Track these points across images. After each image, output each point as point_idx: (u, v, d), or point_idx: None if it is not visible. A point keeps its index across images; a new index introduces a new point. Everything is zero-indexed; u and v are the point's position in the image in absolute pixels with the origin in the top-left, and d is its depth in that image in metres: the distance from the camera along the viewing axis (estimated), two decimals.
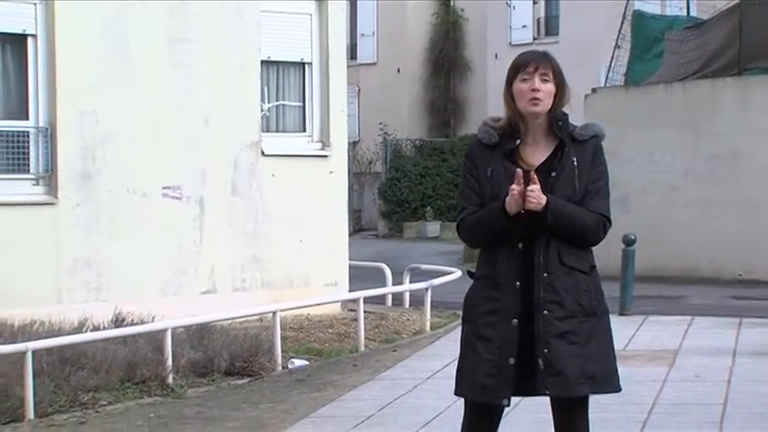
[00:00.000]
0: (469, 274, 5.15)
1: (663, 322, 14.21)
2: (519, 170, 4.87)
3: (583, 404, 5.02)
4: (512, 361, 4.90)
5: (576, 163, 4.98)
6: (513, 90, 5.00)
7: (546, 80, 4.96)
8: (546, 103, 4.97)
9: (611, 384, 5.03)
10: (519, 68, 5.00)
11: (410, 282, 16.06)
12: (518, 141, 5.01)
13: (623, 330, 12.86)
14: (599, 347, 4.97)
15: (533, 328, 4.90)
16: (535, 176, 4.85)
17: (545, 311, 4.89)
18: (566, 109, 5.10)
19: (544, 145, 5.04)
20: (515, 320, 4.90)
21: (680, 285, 18.89)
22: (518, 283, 4.93)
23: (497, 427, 5.08)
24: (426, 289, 14.37)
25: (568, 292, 4.92)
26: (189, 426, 9.00)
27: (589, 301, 4.97)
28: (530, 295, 4.92)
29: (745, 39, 21.23)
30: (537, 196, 4.83)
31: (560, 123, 5.03)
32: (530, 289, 4.92)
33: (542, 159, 5.01)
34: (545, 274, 4.91)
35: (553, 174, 4.95)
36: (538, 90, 4.94)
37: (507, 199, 4.85)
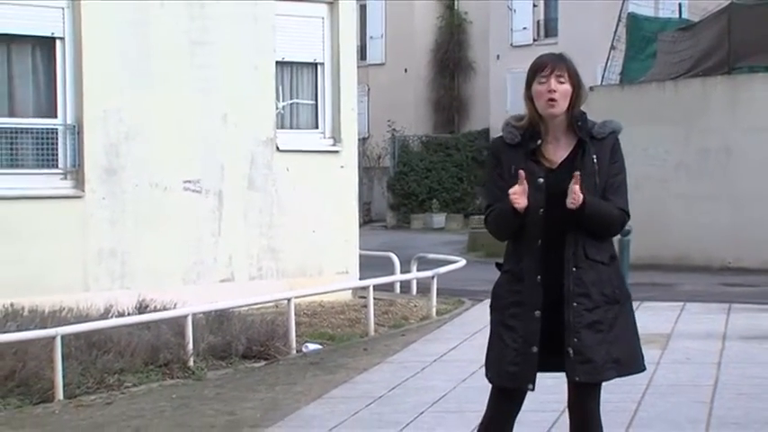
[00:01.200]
0: (497, 265, 5.17)
1: (656, 308, 14.20)
2: (521, 171, 4.87)
3: (597, 387, 5.05)
4: (535, 349, 4.92)
5: (595, 160, 4.97)
6: (531, 92, 4.99)
7: (562, 81, 4.94)
8: (562, 104, 4.95)
9: (636, 365, 5.07)
10: (536, 71, 4.97)
11: (417, 270, 16.06)
12: (539, 141, 5.00)
13: None
14: (623, 332, 5.00)
15: (560, 318, 4.92)
16: (578, 176, 4.84)
17: (575, 304, 4.90)
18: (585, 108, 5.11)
19: (564, 143, 5.02)
20: (538, 312, 4.92)
21: (672, 273, 18.88)
22: (539, 277, 4.94)
23: (521, 404, 5.12)
24: (432, 277, 14.37)
25: (594, 284, 4.93)
26: (208, 406, 9.02)
27: (612, 290, 4.99)
28: (553, 288, 4.93)
29: (734, 39, 21.22)
30: (579, 196, 4.83)
31: (579, 123, 5.01)
32: (552, 282, 4.93)
33: (564, 157, 5.00)
34: (574, 269, 4.92)
35: (576, 172, 4.94)
36: (554, 91, 4.91)
37: (512, 197, 4.86)
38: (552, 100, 4.92)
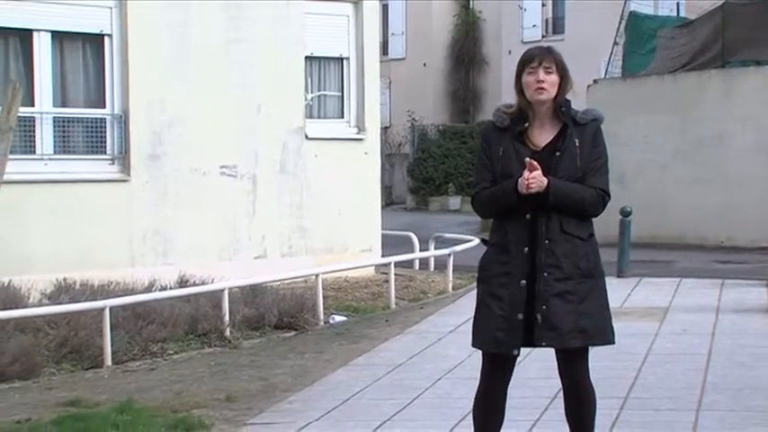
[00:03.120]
0: (483, 241, 5.16)
1: (655, 283, 14.17)
2: (528, 159, 4.85)
3: (582, 354, 5.01)
4: (520, 316, 4.89)
5: (577, 144, 4.95)
6: (521, 82, 4.98)
7: (549, 72, 4.93)
8: (550, 92, 4.94)
9: (602, 337, 5.00)
10: (525, 63, 4.97)
11: (435, 248, 16.08)
12: (526, 124, 5.00)
13: (620, 290, 12.84)
14: (594, 305, 4.95)
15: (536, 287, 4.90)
16: (535, 163, 4.82)
17: (545, 274, 4.87)
18: (571, 97, 5.07)
19: (549, 128, 5.01)
20: (524, 281, 4.89)
21: (670, 251, 18.82)
22: (526, 249, 4.91)
23: (511, 373, 5.08)
24: (449, 255, 14.38)
25: (567, 256, 4.90)
26: (244, 372, 9.04)
27: (587, 264, 4.95)
28: (534, 259, 4.91)
29: (728, 36, 21.17)
30: (537, 182, 4.81)
31: (564, 109, 5.00)
32: (534, 254, 4.91)
33: (548, 140, 4.99)
34: (546, 241, 4.89)
35: (557, 153, 4.93)
36: (543, 81, 4.91)
37: (519, 181, 4.84)
38: (541, 88, 4.91)
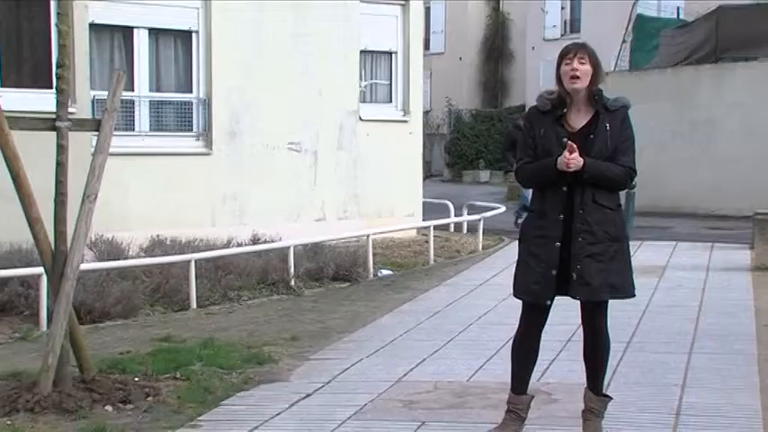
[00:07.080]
0: (525, 207, 5.14)
1: (655, 246, 14.09)
2: (568, 141, 4.81)
3: (603, 307, 5.00)
4: (554, 272, 4.87)
5: (608, 127, 4.92)
6: (560, 72, 4.94)
7: (583, 62, 4.89)
8: (584, 81, 4.89)
9: (627, 292, 4.99)
10: (563, 56, 4.93)
11: (467, 214, 16.05)
12: (564, 110, 4.97)
13: None
14: (620, 264, 4.94)
15: (569, 249, 4.88)
16: (574, 145, 4.78)
17: (579, 238, 4.85)
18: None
19: (584, 113, 4.97)
20: (558, 243, 4.87)
21: (667, 218, 18.70)
22: (561, 216, 4.89)
23: (546, 319, 5.06)
24: (479, 220, 14.37)
25: (598, 223, 4.87)
26: (306, 316, 9.09)
27: (615, 230, 4.92)
28: (570, 225, 4.90)
29: (721, 36, 20.97)
30: (575, 161, 4.78)
31: (597, 97, 4.96)
32: (570, 220, 4.90)
33: (583, 124, 4.95)
34: (581, 211, 4.86)
35: (591, 136, 4.89)
36: (576, 70, 4.87)
37: (559, 160, 4.82)
38: (575, 77, 4.87)
